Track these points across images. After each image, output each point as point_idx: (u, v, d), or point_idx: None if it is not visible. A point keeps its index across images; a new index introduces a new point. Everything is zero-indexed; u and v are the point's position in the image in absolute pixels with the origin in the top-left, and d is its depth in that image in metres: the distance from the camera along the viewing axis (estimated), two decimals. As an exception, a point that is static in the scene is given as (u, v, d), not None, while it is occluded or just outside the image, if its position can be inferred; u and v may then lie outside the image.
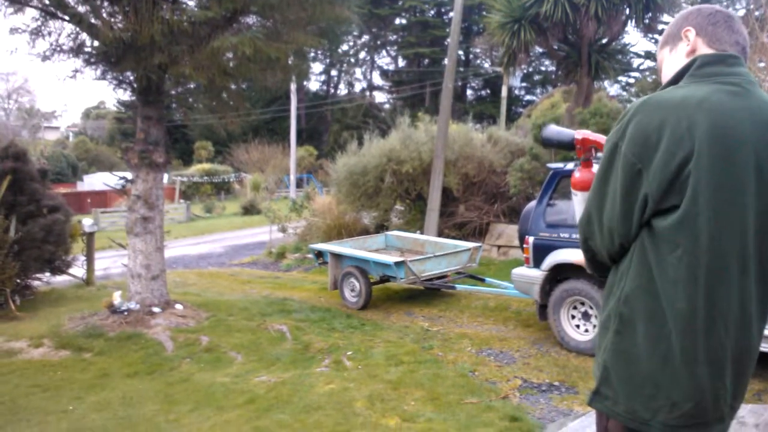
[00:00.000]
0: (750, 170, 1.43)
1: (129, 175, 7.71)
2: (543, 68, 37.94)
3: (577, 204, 2.15)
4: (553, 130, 2.43)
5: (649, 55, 30.80)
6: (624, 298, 1.53)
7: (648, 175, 1.43)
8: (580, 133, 2.27)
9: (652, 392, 1.48)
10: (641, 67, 31.16)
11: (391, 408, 4.93)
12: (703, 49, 1.59)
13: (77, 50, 6.91)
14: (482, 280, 8.77)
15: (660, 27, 12.39)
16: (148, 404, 5.16)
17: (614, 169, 1.50)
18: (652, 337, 1.48)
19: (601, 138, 2.25)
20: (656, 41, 29.25)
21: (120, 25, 6.49)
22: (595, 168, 2.06)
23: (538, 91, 38.92)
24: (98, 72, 7.23)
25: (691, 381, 1.45)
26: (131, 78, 7.44)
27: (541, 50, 15.59)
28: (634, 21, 11.54)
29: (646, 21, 11.47)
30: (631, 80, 29.83)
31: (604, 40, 12.54)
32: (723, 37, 1.58)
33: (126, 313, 7.26)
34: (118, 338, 6.76)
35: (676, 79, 1.58)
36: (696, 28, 1.61)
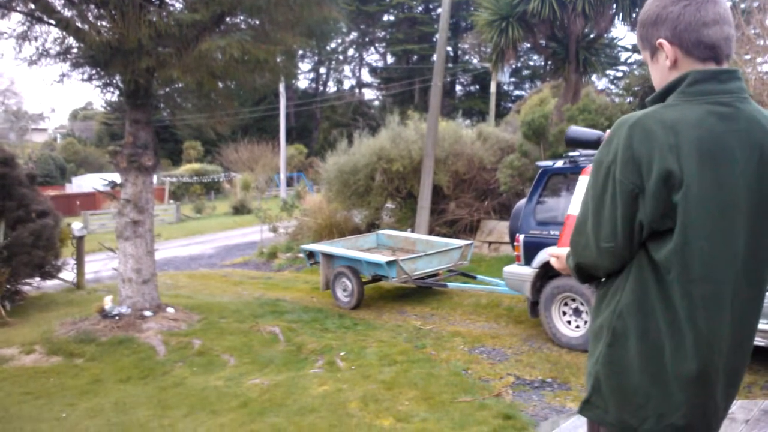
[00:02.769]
0: (741, 194, 1.43)
1: (118, 179, 7.67)
2: (531, 63, 37.97)
3: (578, 190, 2.15)
4: (577, 130, 2.45)
5: (637, 49, 30.89)
6: (618, 313, 1.54)
7: (643, 200, 1.42)
8: (610, 131, 2.33)
9: (642, 403, 1.50)
10: (629, 61, 31.27)
11: (385, 408, 4.95)
12: (685, 61, 1.51)
13: (64, 54, 6.86)
14: (474, 278, 8.79)
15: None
16: (142, 410, 5.15)
17: (608, 193, 1.48)
18: (644, 353, 1.49)
19: None
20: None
21: (107, 29, 6.46)
22: None
23: (527, 86, 38.99)
24: (85, 75, 7.19)
25: (681, 398, 1.47)
26: (119, 81, 7.40)
27: (529, 45, 15.62)
28: (621, 16, 11.58)
29: (634, 16, 11.51)
30: (619, 74, 29.89)
31: (592, 35, 12.58)
32: (701, 40, 1.48)
33: (117, 318, 7.23)
34: (110, 343, 6.73)
35: (664, 94, 1.52)
36: (668, 39, 1.51)
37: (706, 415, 1.51)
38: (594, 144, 2.32)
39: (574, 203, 2.07)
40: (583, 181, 2.13)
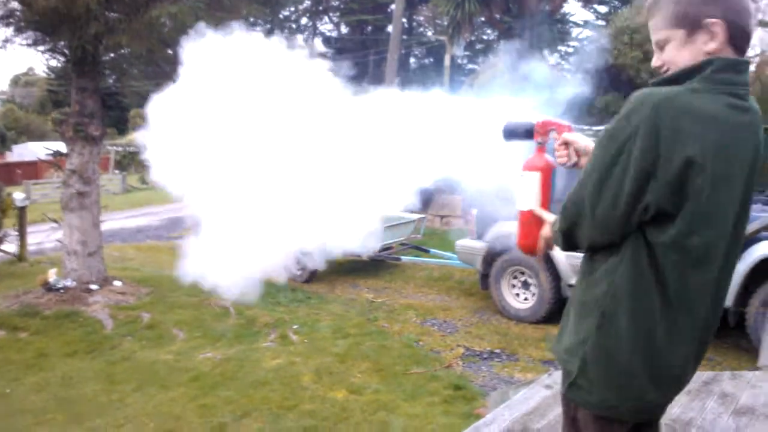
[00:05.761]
0: (740, 186, 1.46)
1: (62, 148, 7.41)
2: (485, 37, 38.05)
3: (522, 186, 2.07)
4: (513, 123, 2.32)
5: (587, 24, 31.34)
6: (612, 294, 1.51)
7: (656, 183, 1.39)
8: (540, 117, 2.20)
9: (626, 383, 1.53)
10: (579, 36, 31.71)
11: (338, 381, 5.00)
12: (723, 47, 1.43)
13: (7, 19, 6.52)
14: (426, 251, 8.88)
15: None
16: (90, 384, 5.06)
17: (618, 167, 1.42)
18: (635, 335, 1.49)
19: (561, 121, 2.19)
20: (595, 11, 29.81)
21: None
22: (547, 155, 2.03)
23: (480, 59, 39.08)
24: (30, 41, 6.87)
25: (665, 374, 1.53)
26: (65, 48, 7.10)
27: (483, 20, 15.62)
28: (574, -7, 11.71)
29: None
30: (570, 50, 30.29)
31: (547, 7, 12.70)
32: (746, 30, 1.42)
33: (62, 291, 7.04)
34: (56, 317, 6.56)
35: (684, 76, 1.45)
36: (726, 21, 1.41)
37: (680, 389, 1.61)
38: (528, 132, 2.21)
39: (520, 199, 1.97)
40: (526, 177, 2.04)
